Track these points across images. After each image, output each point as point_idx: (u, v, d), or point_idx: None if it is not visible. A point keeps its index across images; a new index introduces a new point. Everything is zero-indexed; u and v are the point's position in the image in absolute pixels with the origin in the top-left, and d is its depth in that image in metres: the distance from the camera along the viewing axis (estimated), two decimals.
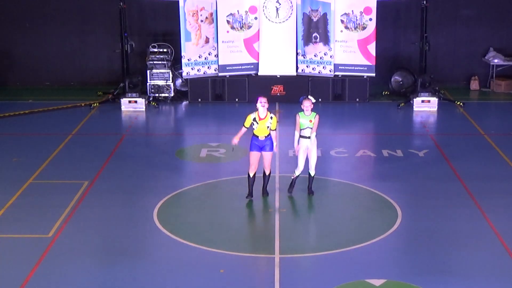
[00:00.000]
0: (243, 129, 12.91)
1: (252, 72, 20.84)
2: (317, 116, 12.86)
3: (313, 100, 12.86)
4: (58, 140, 16.95)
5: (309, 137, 12.87)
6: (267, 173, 13.13)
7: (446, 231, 11.87)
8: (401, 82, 21.45)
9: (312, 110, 12.84)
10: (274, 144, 13.03)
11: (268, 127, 12.77)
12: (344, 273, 10.46)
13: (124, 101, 20.04)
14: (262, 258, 10.96)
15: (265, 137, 12.83)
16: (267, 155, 12.93)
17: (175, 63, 20.89)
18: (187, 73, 20.45)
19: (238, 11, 20.49)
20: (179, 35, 20.25)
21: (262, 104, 12.66)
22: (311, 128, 12.84)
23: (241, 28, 20.60)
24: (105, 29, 22.48)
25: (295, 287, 10.12)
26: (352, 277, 10.30)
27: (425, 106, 19.88)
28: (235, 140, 12.95)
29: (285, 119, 18.65)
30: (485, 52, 22.43)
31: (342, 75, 20.65)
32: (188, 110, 20.42)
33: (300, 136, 12.92)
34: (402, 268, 10.66)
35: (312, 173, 13.22)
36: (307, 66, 20.68)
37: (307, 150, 12.99)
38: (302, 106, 12.80)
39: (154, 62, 20.67)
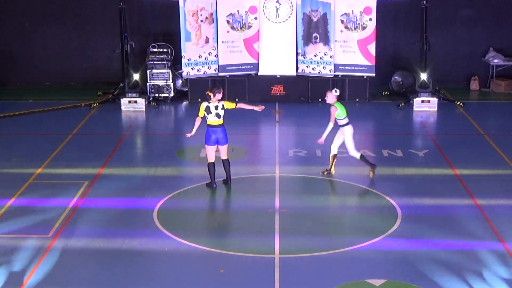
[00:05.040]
0: (198, 119, 13.50)
1: (252, 72, 20.83)
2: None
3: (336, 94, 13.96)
4: (58, 140, 16.95)
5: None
6: (225, 160, 13.60)
7: (446, 231, 11.86)
8: (401, 82, 21.44)
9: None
10: (253, 108, 13.81)
11: (218, 114, 13.20)
12: (344, 273, 10.46)
13: (124, 101, 20.03)
14: (262, 258, 10.95)
15: (219, 126, 13.31)
16: (222, 148, 13.51)
17: (175, 63, 20.88)
18: (187, 73, 20.43)
19: (238, 11, 20.48)
20: (179, 35, 20.23)
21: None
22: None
23: (241, 28, 20.59)
24: (105, 29, 22.48)
25: (295, 287, 10.13)
26: (352, 277, 10.30)
27: (425, 106, 19.87)
28: (192, 133, 13.59)
29: (285, 119, 18.65)
30: (485, 52, 22.43)
31: (342, 75, 20.64)
32: (188, 110, 20.41)
33: (344, 125, 14.00)
34: (402, 268, 10.66)
35: (357, 155, 14.21)
36: (307, 66, 20.67)
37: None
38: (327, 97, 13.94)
39: (154, 62, 20.67)
